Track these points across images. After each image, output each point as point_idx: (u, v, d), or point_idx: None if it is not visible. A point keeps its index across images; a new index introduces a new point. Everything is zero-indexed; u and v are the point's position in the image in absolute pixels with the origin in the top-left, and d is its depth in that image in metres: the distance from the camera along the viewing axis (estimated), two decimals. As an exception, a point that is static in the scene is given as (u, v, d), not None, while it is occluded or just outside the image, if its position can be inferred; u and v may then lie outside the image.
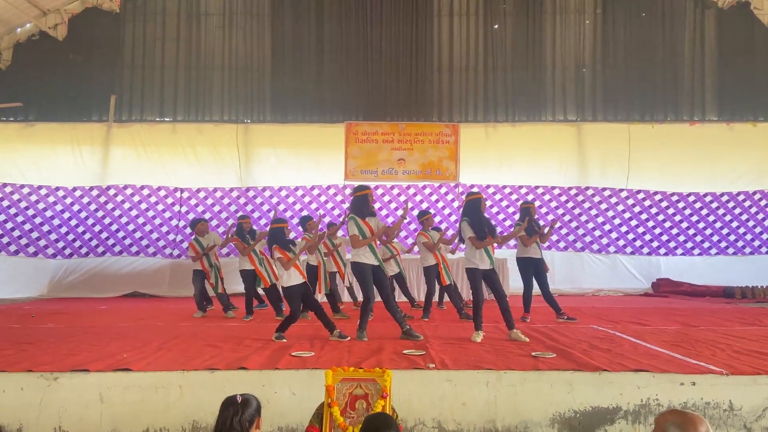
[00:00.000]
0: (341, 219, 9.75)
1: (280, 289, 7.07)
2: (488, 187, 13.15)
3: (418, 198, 13.30)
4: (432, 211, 13.24)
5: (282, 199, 13.23)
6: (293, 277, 6.14)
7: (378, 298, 6.27)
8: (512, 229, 8.00)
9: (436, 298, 8.92)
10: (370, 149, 13.42)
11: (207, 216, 12.65)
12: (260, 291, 9.04)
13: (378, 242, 6.51)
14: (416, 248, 9.22)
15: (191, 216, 12.95)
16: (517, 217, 12.60)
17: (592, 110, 13.61)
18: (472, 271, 6.15)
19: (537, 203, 13.14)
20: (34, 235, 12.74)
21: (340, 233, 9.18)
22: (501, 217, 13.09)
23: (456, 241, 8.61)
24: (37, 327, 7.15)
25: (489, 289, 6.38)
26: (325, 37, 13.67)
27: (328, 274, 8.32)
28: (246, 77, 13.63)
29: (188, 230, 12.98)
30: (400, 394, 3.98)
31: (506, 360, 4.72)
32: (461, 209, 7.97)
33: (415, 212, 11.62)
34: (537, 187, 13.30)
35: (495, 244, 6.28)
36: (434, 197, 13.37)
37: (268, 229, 6.91)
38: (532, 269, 7.85)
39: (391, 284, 7.43)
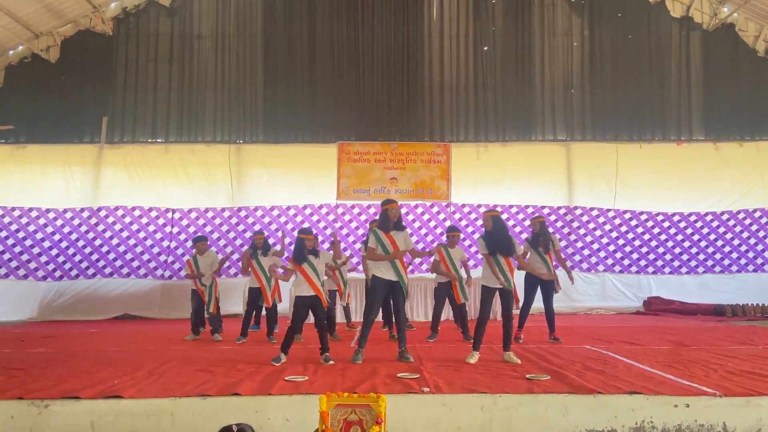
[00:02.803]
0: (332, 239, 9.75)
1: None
2: (479, 206, 13.21)
3: (411, 217, 13.33)
4: (423, 229, 13.33)
5: (274, 218, 13.23)
6: (302, 288, 6.14)
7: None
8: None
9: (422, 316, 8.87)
10: (363, 169, 13.48)
11: (195, 238, 12.61)
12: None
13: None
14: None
15: (182, 237, 12.96)
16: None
17: (581, 130, 13.77)
18: (483, 287, 6.16)
19: (527, 223, 13.24)
20: (25, 257, 12.64)
21: (348, 252, 9.24)
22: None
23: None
24: (27, 351, 7.08)
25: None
26: (316, 57, 13.79)
27: (327, 293, 8.29)
28: (239, 98, 13.71)
29: (180, 251, 12.97)
30: (395, 418, 3.96)
31: (501, 383, 4.72)
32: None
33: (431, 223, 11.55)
34: (527, 207, 13.37)
35: (515, 264, 6.17)
36: (426, 216, 13.42)
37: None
38: (537, 285, 7.79)
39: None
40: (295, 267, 6.18)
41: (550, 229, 13.17)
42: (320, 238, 11.45)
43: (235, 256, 12.04)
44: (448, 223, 13.18)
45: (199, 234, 11.72)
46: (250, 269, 8.35)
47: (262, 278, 8.18)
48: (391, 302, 6.54)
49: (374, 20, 13.81)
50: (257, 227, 13.04)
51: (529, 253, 7.82)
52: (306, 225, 13.10)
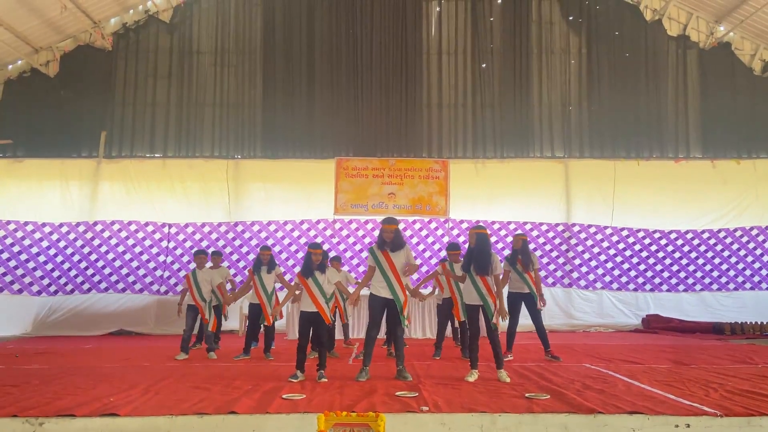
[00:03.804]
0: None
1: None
2: (477, 222, 13.21)
3: (408, 233, 13.32)
4: (423, 246, 13.30)
5: (271, 233, 13.21)
6: (306, 303, 6.15)
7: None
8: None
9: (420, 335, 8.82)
10: (361, 184, 13.49)
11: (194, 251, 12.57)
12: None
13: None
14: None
15: (179, 252, 12.92)
16: (507, 252, 12.72)
17: (578, 147, 13.83)
18: (467, 306, 6.19)
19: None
20: (20, 271, 12.59)
21: (345, 268, 9.24)
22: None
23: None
24: (22, 368, 7.00)
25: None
26: (315, 74, 13.87)
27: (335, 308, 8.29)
28: (237, 114, 13.77)
29: (176, 266, 12.92)
30: (394, 438, 3.91)
31: (500, 402, 4.67)
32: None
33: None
34: (525, 223, 13.40)
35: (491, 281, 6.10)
36: (424, 232, 13.41)
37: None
38: (521, 303, 7.78)
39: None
40: (300, 281, 6.17)
41: (548, 246, 13.27)
42: (333, 253, 11.47)
43: (238, 278, 12.05)
44: (446, 239, 13.18)
45: (197, 248, 11.60)
46: (251, 284, 8.25)
47: (263, 295, 8.03)
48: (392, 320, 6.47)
49: (373, 37, 13.92)
50: (254, 242, 13.03)
51: (511, 271, 7.80)
52: (303, 240, 13.09)
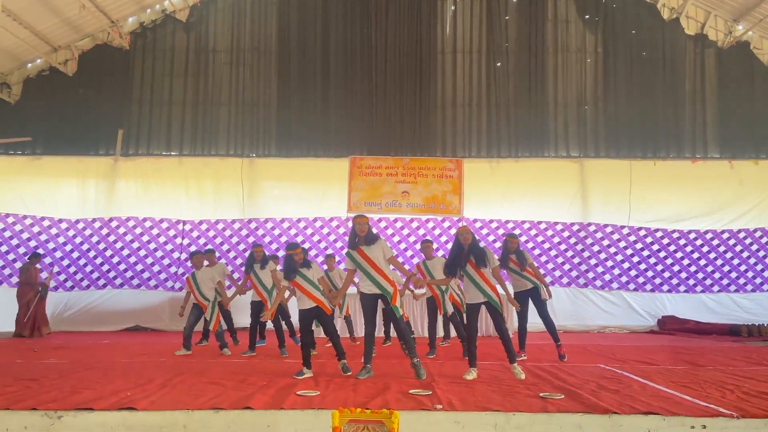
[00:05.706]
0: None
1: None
2: (491, 221, 13.20)
3: (421, 231, 13.32)
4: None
5: (284, 230, 13.26)
6: (302, 302, 6.19)
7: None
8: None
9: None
10: (374, 182, 13.50)
11: (191, 253, 12.64)
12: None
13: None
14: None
15: (193, 248, 12.99)
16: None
17: (594, 147, 13.72)
18: (467, 305, 6.24)
19: (540, 239, 13.20)
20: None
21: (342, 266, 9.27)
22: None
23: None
24: (40, 362, 7.10)
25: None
26: (330, 73, 13.90)
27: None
28: (252, 112, 13.83)
29: (190, 263, 13.00)
30: (408, 436, 3.92)
31: (514, 401, 4.66)
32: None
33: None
34: (540, 223, 13.32)
35: (488, 278, 6.06)
36: (437, 231, 13.40)
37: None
38: (528, 302, 7.73)
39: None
40: (290, 283, 6.19)
41: (563, 246, 13.19)
42: (330, 251, 11.51)
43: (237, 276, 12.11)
44: (459, 239, 13.15)
45: (198, 249, 11.74)
46: (249, 283, 8.32)
47: (263, 291, 8.12)
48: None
49: (387, 36, 13.92)
50: (267, 239, 13.09)
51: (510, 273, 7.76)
52: (316, 238, 13.14)
